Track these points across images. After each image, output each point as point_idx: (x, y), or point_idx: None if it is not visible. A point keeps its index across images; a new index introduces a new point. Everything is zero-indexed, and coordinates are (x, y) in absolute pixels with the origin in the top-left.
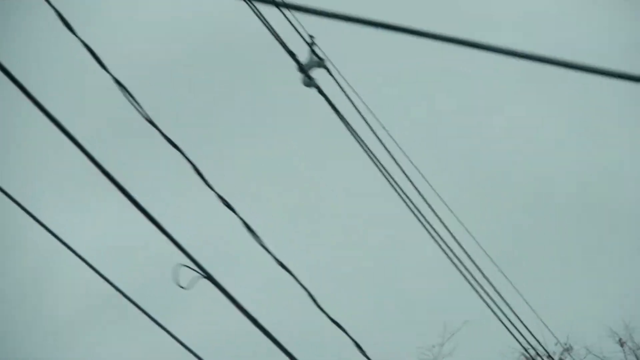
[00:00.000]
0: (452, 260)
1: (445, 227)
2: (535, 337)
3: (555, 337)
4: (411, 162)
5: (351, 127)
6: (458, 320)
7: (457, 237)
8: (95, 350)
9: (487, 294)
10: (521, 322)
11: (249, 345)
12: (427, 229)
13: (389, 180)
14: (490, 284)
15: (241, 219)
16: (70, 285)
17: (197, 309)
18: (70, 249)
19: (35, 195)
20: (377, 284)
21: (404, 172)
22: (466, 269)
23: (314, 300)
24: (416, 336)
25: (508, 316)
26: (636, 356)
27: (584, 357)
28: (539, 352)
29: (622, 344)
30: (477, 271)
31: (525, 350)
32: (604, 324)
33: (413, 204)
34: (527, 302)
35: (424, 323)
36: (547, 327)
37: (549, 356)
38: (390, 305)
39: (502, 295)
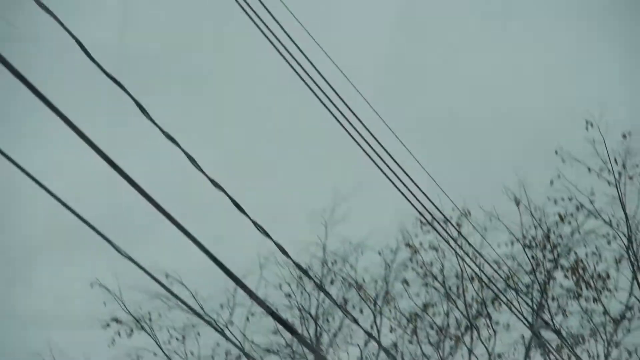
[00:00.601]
0: (340, 122)
1: (332, 89)
2: (431, 201)
3: (451, 201)
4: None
5: None
6: (350, 184)
7: (345, 100)
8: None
9: (380, 158)
10: (416, 185)
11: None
12: (313, 91)
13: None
14: (383, 147)
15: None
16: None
17: None
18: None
19: None
20: (267, 147)
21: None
22: (357, 132)
23: (193, 162)
24: (307, 200)
25: (403, 180)
26: (531, 214)
27: (481, 220)
28: (435, 217)
29: (517, 203)
30: (370, 135)
31: (421, 214)
32: (499, 184)
33: (298, 63)
34: (421, 166)
35: (315, 187)
36: (443, 190)
37: (446, 220)
38: (280, 168)
39: (396, 158)
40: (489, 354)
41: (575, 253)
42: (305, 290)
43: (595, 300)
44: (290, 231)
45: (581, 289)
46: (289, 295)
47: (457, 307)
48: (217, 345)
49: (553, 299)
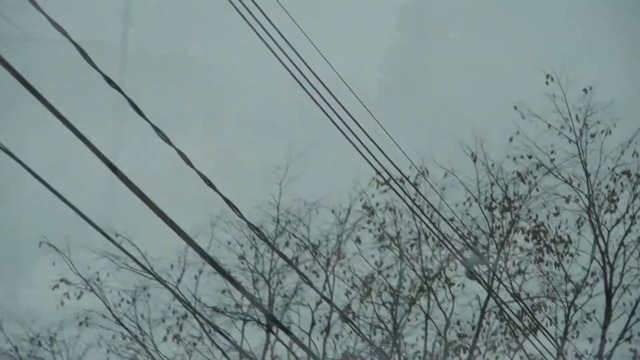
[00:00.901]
0: (296, 78)
1: (288, 43)
2: (388, 159)
3: (409, 159)
4: None
5: None
6: (306, 141)
7: (301, 54)
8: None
9: (337, 115)
10: (374, 143)
11: None
12: (268, 46)
13: None
14: (340, 103)
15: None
16: None
17: None
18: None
19: None
20: (219, 103)
21: None
22: (313, 87)
23: (140, 112)
24: (261, 158)
25: (360, 137)
26: (488, 170)
27: (440, 180)
28: (392, 176)
29: (474, 159)
30: (327, 91)
31: (378, 173)
32: (456, 140)
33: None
34: (379, 123)
35: (269, 145)
36: (400, 148)
37: (403, 179)
38: (234, 126)
39: (353, 115)
40: (446, 317)
41: (537, 216)
42: (258, 251)
43: (556, 265)
44: (243, 189)
45: (543, 254)
46: (242, 258)
47: (412, 269)
48: (167, 309)
49: (514, 264)
